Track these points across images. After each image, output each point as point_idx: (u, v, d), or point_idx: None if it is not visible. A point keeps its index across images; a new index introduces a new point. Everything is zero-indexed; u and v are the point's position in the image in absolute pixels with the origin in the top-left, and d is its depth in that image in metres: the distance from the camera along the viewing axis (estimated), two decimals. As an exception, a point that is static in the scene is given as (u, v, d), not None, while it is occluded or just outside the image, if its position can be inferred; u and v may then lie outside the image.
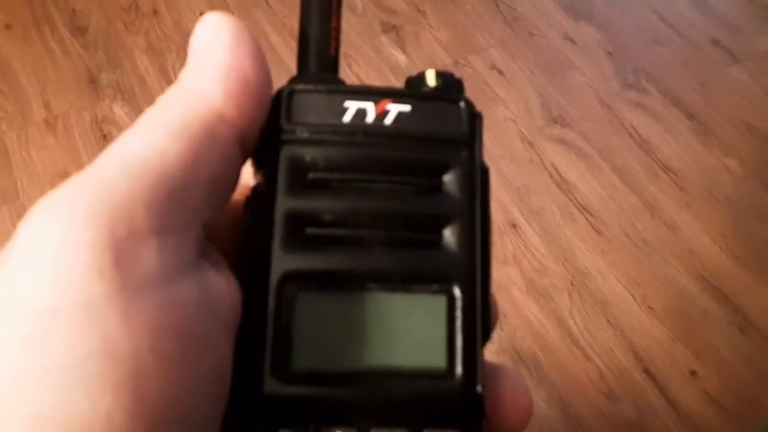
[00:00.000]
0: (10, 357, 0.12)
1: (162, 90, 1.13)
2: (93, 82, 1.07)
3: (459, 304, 0.17)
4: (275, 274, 0.16)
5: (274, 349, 0.16)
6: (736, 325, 0.86)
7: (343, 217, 0.17)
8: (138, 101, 1.05)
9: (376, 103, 0.17)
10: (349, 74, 1.08)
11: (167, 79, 1.07)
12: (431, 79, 0.19)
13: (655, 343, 0.84)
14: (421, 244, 0.17)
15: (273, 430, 0.15)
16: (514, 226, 0.94)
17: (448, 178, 0.18)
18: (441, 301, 0.17)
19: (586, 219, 0.95)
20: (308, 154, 0.17)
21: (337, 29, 0.19)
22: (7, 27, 1.13)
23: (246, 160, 0.17)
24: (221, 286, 0.15)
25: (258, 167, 0.18)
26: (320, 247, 0.17)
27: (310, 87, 0.18)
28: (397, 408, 0.16)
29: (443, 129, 0.18)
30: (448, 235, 0.17)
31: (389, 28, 1.17)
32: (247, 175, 0.18)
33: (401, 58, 1.13)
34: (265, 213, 0.17)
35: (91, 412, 0.12)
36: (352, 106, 0.17)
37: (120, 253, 0.13)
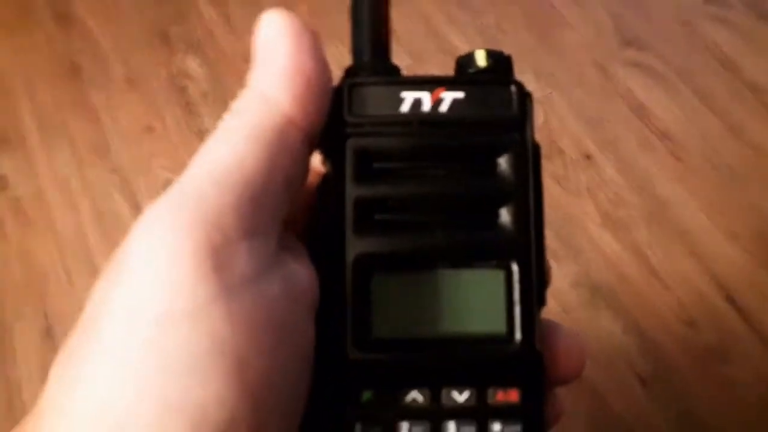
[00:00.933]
0: (139, 356, 0.15)
1: (228, 40, 1.14)
2: (165, 37, 1.10)
3: (516, 276, 0.19)
4: (350, 257, 0.18)
5: (354, 321, 0.18)
6: (826, 250, 0.83)
7: (407, 203, 0.19)
8: (207, 53, 1.07)
9: (431, 92, 0.19)
10: (408, 9, 1.06)
11: (232, 28, 1.08)
12: (481, 60, 0.20)
13: (738, 270, 0.82)
14: (479, 223, 0.19)
15: (357, 392, 0.18)
16: (588, 157, 0.92)
17: (501, 161, 0.19)
18: (500, 275, 0.19)
19: (665, 146, 0.92)
20: (372, 145, 0.19)
21: (387, 12, 0.21)
22: (80, -13, 1.17)
23: (312, 154, 0.19)
24: (301, 274, 0.18)
25: (326, 157, 0.20)
26: (388, 231, 0.19)
27: (368, 80, 0.19)
28: (464, 370, 0.18)
29: (495, 113, 0.19)
30: (504, 214, 0.19)
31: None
32: (315, 161, 0.20)
33: (465, -12, 1.10)
34: (336, 201, 0.19)
35: (207, 398, 0.14)
36: (408, 97, 0.19)
37: (217, 259, 0.15)
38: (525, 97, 0.19)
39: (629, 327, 0.80)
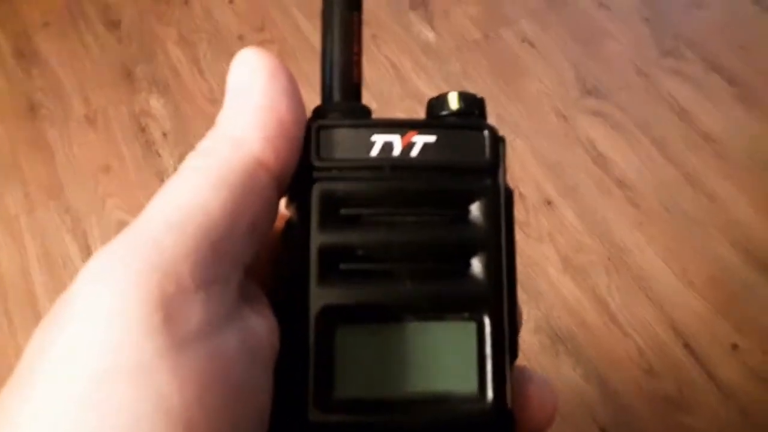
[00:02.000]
0: (71, 417, 0.13)
1: (195, 80, 1.14)
2: (128, 75, 1.10)
3: (488, 329, 0.18)
4: (314, 309, 0.17)
5: (316, 379, 0.17)
6: (780, 297, 0.83)
7: (375, 251, 0.18)
8: (173, 93, 1.07)
9: (402, 135, 0.18)
10: (377, 55, 1.08)
11: (199, 69, 1.08)
12: (454, 102, 0.19)
13: (695, 317, 0.83)
14: (450, 273, 0.18)
15: None
16: (549, 203, 0.93)
17: (474, 208, 0.18)
18: (471, 328, 0.18)
19: (623, 193, 0.93)
20: (339, 190, 0.18)
21: (359, 55, 0.20)
22: (45, 25, 1.16)
23: (281, 198, 0.18)
24: (261, 326, 0.16)
25: (290, 202, 0.19)
26: (355, 281, 0.18)
27: (337, 122, 0.18)
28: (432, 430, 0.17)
29: (468, 158, 0.18)
30: (476, 263, 0.18)
31: (417, 4, 1.16)
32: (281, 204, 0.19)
33: (431, 35, 1.12)
34: (300, 249, 0.17)
35: None
36: (378, 140, 0.18)
37: (168, 311, 0.14)
38: (498, 141, 0.19)
39: (589, 374, 0.79)
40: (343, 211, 0.18)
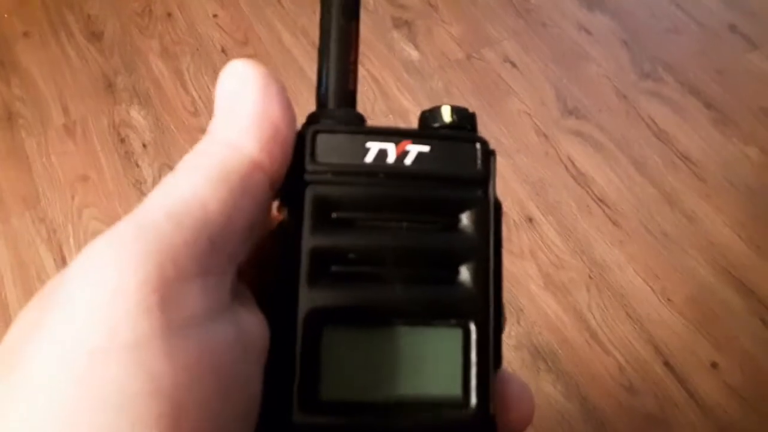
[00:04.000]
0: (68, 393, 0.13)
1: (177, 92, 1.14)
2: (110, 86, 1.09)
3: (474, 336, 0.18)
4: (302, 311, 0.17)
5: (302, 381, 0.17)
6: (757, 316, 0.84)
7: (365, 255, 0.18)
8: (154, 104, 1.06)
9: (396, 143, 0.18)
10: (361, 72, 1.08)
11: (182, 81, 1.08)
12: (446, 115, 0.19)
13: (675, 335, 0.83)
14: (438, 280, 0.18)
15: None
16: (530, 220, 0.93)
17: (464, 217, 0.19)
18: (457, 335, 0.18)
19: (603, 211, 0.94)
20: (332, 194, 0.18)
21: (355, 63, 0.20)
22: (25, 34, 1.15)
23: (274, 200, 0.18)
24: (253, 325, 0.16)
25: (283, 204, 0.19)
26: (344, 284, 0.18)
27: (332, 128, 0.18)
28: None
29: (460, 169, 0.19)
30: (464, 271, 0.18)
31: (401, 24, 1.17)
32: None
33: (414, 54, 1.13)
34: (291, 251, 0.18)
35: None
36: (373, 147, 0.18)
37: (166, 294, 0.14)
38: (489, 154, 0.19)
39: (570, 391, 0.79)
40: (335, 215, 0.18)
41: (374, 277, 0.18)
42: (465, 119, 0.19)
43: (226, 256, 0.16)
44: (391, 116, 1.03)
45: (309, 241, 0.17)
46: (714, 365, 0.81)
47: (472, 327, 0.18)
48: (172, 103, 1.05)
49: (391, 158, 0.18)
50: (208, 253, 0.15)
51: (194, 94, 1.06)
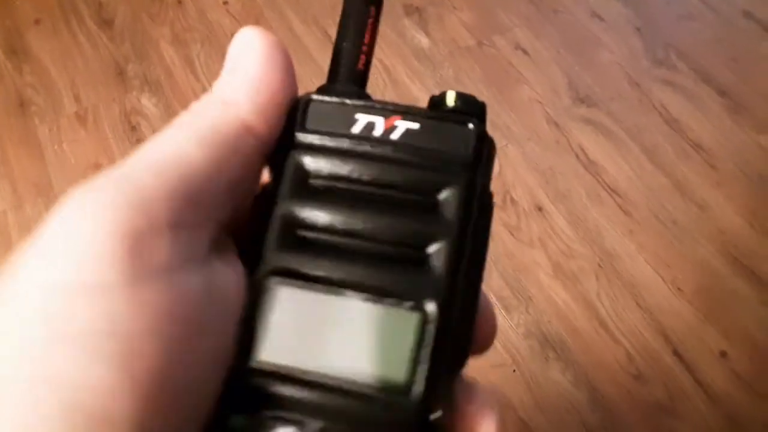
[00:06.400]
0: (29, 323, 0.14)
1: (188, 80, 1.14)
2: (121, 74, 1.09)
3: (433, 325, 0.17)
4: (263, 270, 0.17)
5: (246, 339, 0.17)
6: (767, 305, 0.84)
7: (335, 225, 0.17)
8: (165, 92, 1.06)
9: (386, 117, 0.18)
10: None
11: (192, 69, 1.08)
12: (450, 100, 0.19)
13: (684, 324, 0.83)
14: (406, 259, 0.17)
15: (227, 415, 0.16)
16: (540, 209, 0.93)
17: (443, 198, 0.18)
18: (413, 319, 0.17)
19: (614, 200, 0.93)
20: (313, 160, 0.18)
21: (370, 46, 0.20)
22: (36, 22, 1.15)
23: (265, 165, 0.19)
24: (228, 280, 0.17)
25: (270, 168, 0.19)
26: (309, 251, 0.17)
27: (326, 98, 0.18)
28: (344, 415, 0.16)
29: (447, 149, 0.18)
30: (434, 254, 0.17)
31: (412, 11, 1.16)
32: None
33: (424, 41, 1.12)
34: (265, 212, 0.18)
35: (85, 381, 0.14)
36: (362, 119, 0.18)
37: (136, 243, 0.15)
38: (483, 140, 0.18)
39: (579, 380, 0.79)
40: (313, 182, 0.18)
41: (340, 248, 0.17)
42: (471, 105, 0.19)
43: (204, 211, 0.16)
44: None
45: (283, 204, 0.17)
46: (723, 354, 0.81)
47: (432, 313, 0.17)
48: (183, 91, 1.06)
49: (378, 131, 0.18)
50: (183, 206, 0.16)
51: (205, 81, 1.06)
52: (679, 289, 0.86)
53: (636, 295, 0.85)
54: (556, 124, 1.02)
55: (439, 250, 0.17)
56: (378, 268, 0.17)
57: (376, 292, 0.17)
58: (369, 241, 0.17)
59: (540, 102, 1.05)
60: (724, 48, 1.10)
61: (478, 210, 0.18)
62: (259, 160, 0.18)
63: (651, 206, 0.93)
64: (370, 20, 0.20)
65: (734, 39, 1.11)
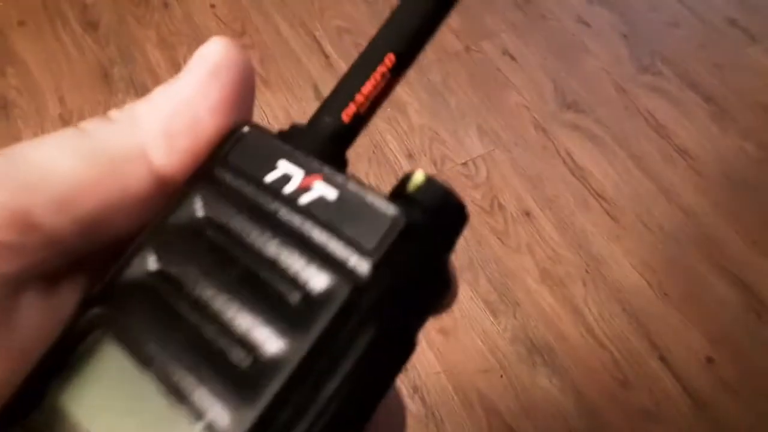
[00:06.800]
0: None
1: (174, 83, 1.13)
2: (106, 76, 1.08)
3: None
4: (93, 311, 0.15)
5: (37, 377, 0.15)
6: (753, 311, 0.85)
7: (186, 282, 0.15)
8: (150, 95, 1.05)
9: (306, 174, 0.15)
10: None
11: (178, 72, 1.07)
12: (412, 183, 0.15)
13: (670, 330, 0.83)
14: (233, 363, 0.13)
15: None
16: (527, 214, 0.93)
17: (313, 296, 0.14)
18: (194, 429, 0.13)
19: (601, 206, 0.94)
20: (208, 200, 0.15)
21: (370, 100, 0.17)
22: (21, 23, 1.14)
23: (161, 197, 0.16)
24: (31, 320, 0.15)
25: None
26: (142, 303, 0.15)
27: (263, 135, 0.16)
28: None
29: (352, 235, 0.14)
30: (267, 366, 0.13)
31: (400, 16, 1.16)
32: None
33: (412, 46, 1.12)
34: (138, 235, 0.16)
35: None
36: (282, 168, 0.15)
37: None
38: (402, 238, 0.14)
39: (565, 385, 0.79)
40: (196, 222, 0.15)
41: (171, 317, 0.14)
42: (433, 195, 0.15)
43: (43, 236, 0.14)
44: (389, 109, 1.02)
45: (153, 232, 0.15)
46: (709, 360, 0.81)
47: (222, 426, 0.13)
48: (169, 94, 1.05)
49: (289, 188, 0.15)
50: (11, 224, 0.13)
51: (191, 84, 1.05)
52: (665, 294, 0.86)
53: (622, 301, 0.85)
54: (544, 130, 1.02)
55: (273, 365, 0.13)
56: (195, 360, 0.13)
57: (175, 392, 0.13)
58: (206, 321, 0.14)
59: (527, 107, 1.05)
60: (709, 55, 1.11)
61: (359, 334, 0.13)
62: (146, 192, 0.15)
63: (638, 212, 0.93)
64: (382, 69, 0.17)
65: (719, 46, 1.12)
